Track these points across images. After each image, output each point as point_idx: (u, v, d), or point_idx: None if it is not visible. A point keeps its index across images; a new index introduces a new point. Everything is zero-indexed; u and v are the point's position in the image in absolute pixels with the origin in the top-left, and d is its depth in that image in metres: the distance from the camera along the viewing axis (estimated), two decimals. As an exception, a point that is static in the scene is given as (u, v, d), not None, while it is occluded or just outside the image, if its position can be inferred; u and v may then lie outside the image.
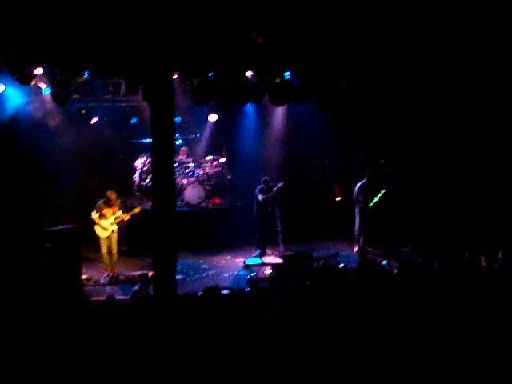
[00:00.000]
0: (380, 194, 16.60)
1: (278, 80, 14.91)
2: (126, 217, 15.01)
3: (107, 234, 14.84)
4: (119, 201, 15.15)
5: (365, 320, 8.37)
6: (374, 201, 16.59)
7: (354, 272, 11.50)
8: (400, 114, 16.53)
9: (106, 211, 14.80)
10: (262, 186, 16.13)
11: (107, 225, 14.80)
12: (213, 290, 10.06)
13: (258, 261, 15.44)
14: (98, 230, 14.85)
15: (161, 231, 12.13)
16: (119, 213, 14.92)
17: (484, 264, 12.33)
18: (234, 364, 7.32)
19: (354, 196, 16.84)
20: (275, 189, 16.12)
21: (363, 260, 12.46)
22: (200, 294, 10.94)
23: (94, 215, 14.75)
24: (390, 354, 7.58)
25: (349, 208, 17.06)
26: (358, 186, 16.79)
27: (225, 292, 10.52)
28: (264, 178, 16.22)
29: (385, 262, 13.62)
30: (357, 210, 16.89)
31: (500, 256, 12.56)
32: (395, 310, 8.89)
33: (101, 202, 14.87)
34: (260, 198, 16.07)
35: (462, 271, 11.44)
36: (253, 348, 7.53)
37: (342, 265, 13.85)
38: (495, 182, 16.18)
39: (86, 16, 12.21)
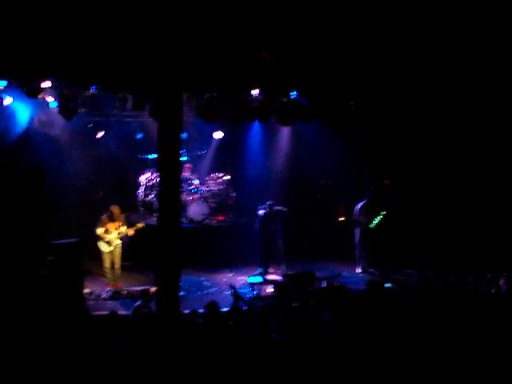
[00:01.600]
0: (381, 216, 16.58)
1: (284, 99, 14.95)
2: (130, 232, 15.00)
3: (111, 248, 14.83)
4: (123, 216, 15.15)
5: (372, 341, 8.36)
6: (375, 222, 16.57)
7: (359, 293, 11.47)
8: (405, 134, 16.57)
9: (110, 226, 14.81)
10: (265, 211, 16.20)
11: (111, 239, 14.80)
12: (214, 307, 10.07)
13: (259, 279, 15.39)
14: (102, 245, 14.84)
15: (165, 247, 12.11)
16: (123, 228, 14.92)
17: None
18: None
19: (354, 217, 16.84)
20: (276, 208, 16.17)
21: (370, 281, 12.40)
22: (201, 311, 10.99)
23: (99, 231, 14.75)
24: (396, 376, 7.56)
25: (351, 228, 17.07)
26: (358, 206, 16.80)
27: (225, 310, 10.55)
28: (269, 202, 16.25)
29: (388, 285, 13.61)
30: (357, 231, 16.89)
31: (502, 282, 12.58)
32: (400, 330, 8.88)
33: (104, 216, 14.88)
34: (260, 212, 16.11)
35: (465, 295, 11.46)
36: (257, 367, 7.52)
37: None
38: (503, 203, 16.19)
39: (95, 31, 12.28)
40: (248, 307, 11.88)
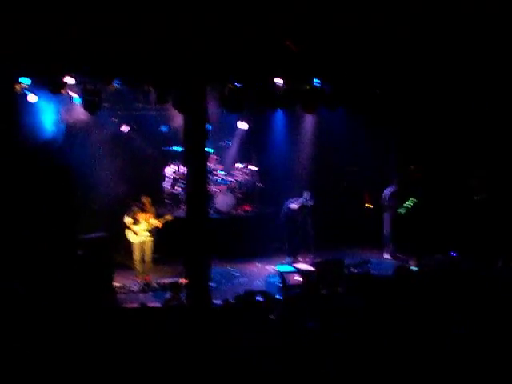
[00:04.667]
0: (411, 201, 16.52)
1: (308, 87, 14.90)
2: (159, 224, 15.06)
3: (139, 239, 14.90)
4: (153, 207, 15.22)
5: (401, 326, 8.34)
6: (404, 207, 16.51)
7: (387, 279, 11.45)
8: (432, 120, 16.45)
9: (140, 216, 14.89)
10: (295, 203, 16.19)
11: (139, 230, 14.87)
12: (248, 296, 10.09)
13: (289, 268, 15.38)
14: (130, 235, 14.93)
15: (194, 239, 12.14)
16: (152, 220, 14.98)
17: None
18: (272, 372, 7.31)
19: (383, 202, 16.78)
20: (303, 200, 16.19)
21: (399, 267, 12.37)
22: (233, 301, 11.00)
23: (127, 219, 14.85)
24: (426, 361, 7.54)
25: (379, 215, 17.02)
26: (387, 192, 16.73)
27: (259, 298, 10.55)
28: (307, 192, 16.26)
29: (415, 269, 13.56)
30: (386, 216, 16.83)
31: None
32: (429, 315, 8.85)
33: (135, 207, 14.98)
34: (293, 206, 16.10)
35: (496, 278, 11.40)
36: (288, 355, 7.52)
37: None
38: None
39: (116, 24, 12.28)
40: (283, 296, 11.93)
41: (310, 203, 16.09)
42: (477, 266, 12.55)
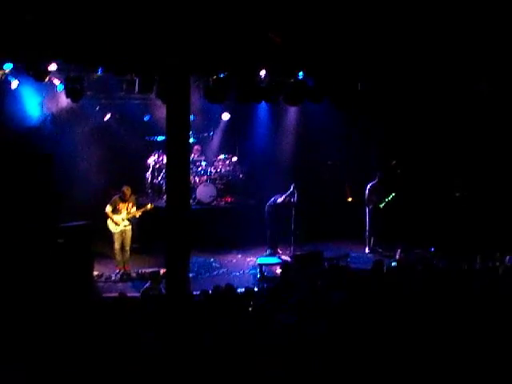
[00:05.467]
0: (391, 196, 16.61)
1: (291, 79, 14.92)
2: (138, 213, 15.06)
3: (119, 229, 14.88)
4: (134, 197, 15.19)
5: (378, 319, 8.39)
6: (384, 202, 16.60)
7: (366, 273, 11.52)
8: (414, 114, 16.53)
9: (121, 206, 14.88)
10: (280, 198, 16.20)
11: (119, 220, 14.85)
12: (226, 289, 10.12)
13: (269, 260, 15.42)
14: (110, 225, 14.91)
15: (174, 229, 12.13)
16: (133, 209, 14.97)
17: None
18: (249, 363, 7.33)
19: (365, 197, 16.85)
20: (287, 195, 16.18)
21: (376, 261, 12.44)
22: (211, 292, 11.02)
23: (108, 209, 14.84)
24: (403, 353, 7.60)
25: (360, 209, 17.08)
26: (368, 186, 16.80)
27: (239, 291, 10.58)
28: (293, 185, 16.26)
29: (394, 264, 13.62)
30: (367, 210, 16.89)
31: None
32: (408, 309, 8.91)
33: (116, 196, 14.97)
34: (279, 200, 16.12)
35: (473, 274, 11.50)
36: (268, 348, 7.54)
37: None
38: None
39: (101, 12, 12.23)
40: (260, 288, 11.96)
41: (295, 199, 16.09)
42: (454, 262, 12.60)
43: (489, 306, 9.07)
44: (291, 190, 16.09)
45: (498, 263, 12.59)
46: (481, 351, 7.72)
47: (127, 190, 14.99)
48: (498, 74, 14.57)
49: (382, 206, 16.61)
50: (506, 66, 14.22)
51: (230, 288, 10.31)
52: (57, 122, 16.04)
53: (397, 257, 14.98)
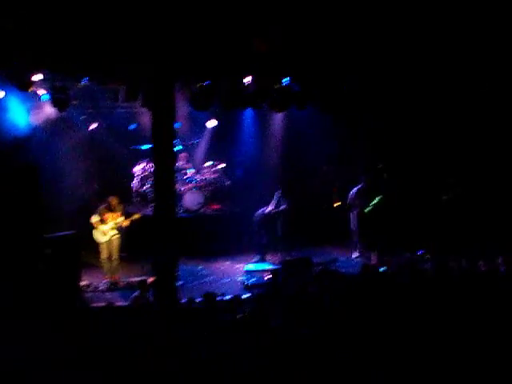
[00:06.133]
0: (377, 200, 16.61)
1: (277, 86, 14.93)
2: (126, 223, 15.02)
3: (106, 238, 14.84)
4: (121, 206, 15.16)
5: (368, 323, 8.38)
6: (370, 206, 16.60)
7: (352, 277, 11.52)
8: (400, 119, 16.57)
9: (107, 216, 14.84)
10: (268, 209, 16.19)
11: (107, 230, 14.82)
12: (211, 297, 10.11)
13: (257, 267, 15.41)
14: (97, 235, 14.87)
15: (162, 237, 12.12)
16: (120, 218, 14.94)
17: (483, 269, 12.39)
18: (240, 373, 7.30)
19: (348, 201, 16.86)
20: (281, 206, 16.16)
21: (364, 266, 12.46)
22: (199, 300, 11.02)
23: (94, 219, 14.80)
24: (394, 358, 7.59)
25: (346, 214, 17.09)
26: (354, 190, 16.81)
27: (226, 298, 10.57)
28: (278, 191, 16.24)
29: (383, 269, 13.63)
30: (352, 215, 16.89)
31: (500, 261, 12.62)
32: (397, 313, 8.91)
33: (102, 206, 14.93)
34: (267, 210, 16.13)
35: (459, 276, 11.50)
36: (257, 356, 7.52)
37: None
38: (498, 186, 16.24)
39: (85, 22, 12.23)
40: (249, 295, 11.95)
41: (283, 207, 16.09)
42: (442, 265, 12.60)
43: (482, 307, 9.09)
44: (277, 197, 16.07)
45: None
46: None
47: (113, 201, 14.96)
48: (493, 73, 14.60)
49: (367, 210, 16.60)
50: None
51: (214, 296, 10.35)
52: (43, 132, 15.97)
53: (373, 261, 15.06)
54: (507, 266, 12.34)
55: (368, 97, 15.56)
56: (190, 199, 17.73)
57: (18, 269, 12.44)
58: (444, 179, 17.12)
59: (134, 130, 17.63)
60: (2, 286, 12.10)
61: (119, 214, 15.00)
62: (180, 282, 13.34)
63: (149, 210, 16.42)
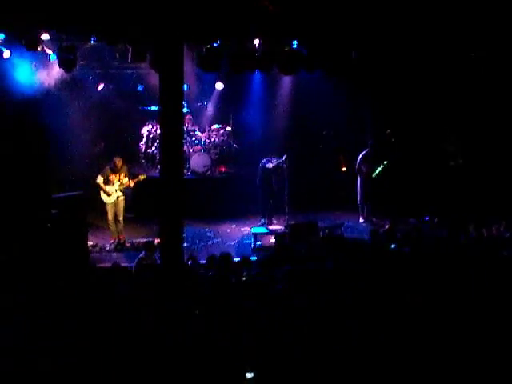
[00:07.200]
0: (383, 165, 16.57)
1: (286, 48, 14.82)
2: (131, 183, 15.02)
3: (111, 199, 14.86)
4: (126, 167, 15.14)
5: (375, 288, 8.40)
6: (377, 171, 16.57)
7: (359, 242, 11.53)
8: (408, 84, 16.48)
9: (112, 177, 14.84)
10: (270, 162, 16.09)
11: (112, 191, 14.82)
12: (223, 258, 10.14)
13: (263, 230, 15.42)
14: (103, 196, 14.89)
15: (168, 199, 12.11)
16: (125, 179, 14.93)
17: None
18: (247, 333, 7.33)
19: (356, 166, 16.82)
20: (278, 161, 16.05)
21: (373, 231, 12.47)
22: (204, 262, 11.06)
23: (99, 179, 14.80)
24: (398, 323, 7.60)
25: (355, 178, 17.06)
26: (360, 156, 16.76)
27: (234, 260, 10.60)
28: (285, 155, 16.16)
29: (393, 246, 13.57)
30: (359, 180, 16.87)
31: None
32: (405, 279, 8.91)
33: (107, 167, 14.93)
34: (268, 165, 16.02)
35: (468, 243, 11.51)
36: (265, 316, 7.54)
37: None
38: (501, 154, 16.22)
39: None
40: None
41: (285, 165, 15.99)
42: (448, 232, 12.60)
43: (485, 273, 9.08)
44: (283, 159, 15.97)
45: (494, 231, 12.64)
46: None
47: (118, 161, 14.93)
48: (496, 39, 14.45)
49: (374, 175, 16.57)
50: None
51: (227, 256, 10.38)
52: (50, 92, 15.92)
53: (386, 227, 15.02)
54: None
55: (376, 62, 15.43)
56: (198, 161, 17.73)
57: (27, 228, 12.48)
58: (446, 147, 17.09)
59: (142, 90, 17.57)
60: (12, 244, 12.16)
61: (123, 174, 14.98)
62: (186, 244, 13.39)
63: (156, 172, 16.43)
